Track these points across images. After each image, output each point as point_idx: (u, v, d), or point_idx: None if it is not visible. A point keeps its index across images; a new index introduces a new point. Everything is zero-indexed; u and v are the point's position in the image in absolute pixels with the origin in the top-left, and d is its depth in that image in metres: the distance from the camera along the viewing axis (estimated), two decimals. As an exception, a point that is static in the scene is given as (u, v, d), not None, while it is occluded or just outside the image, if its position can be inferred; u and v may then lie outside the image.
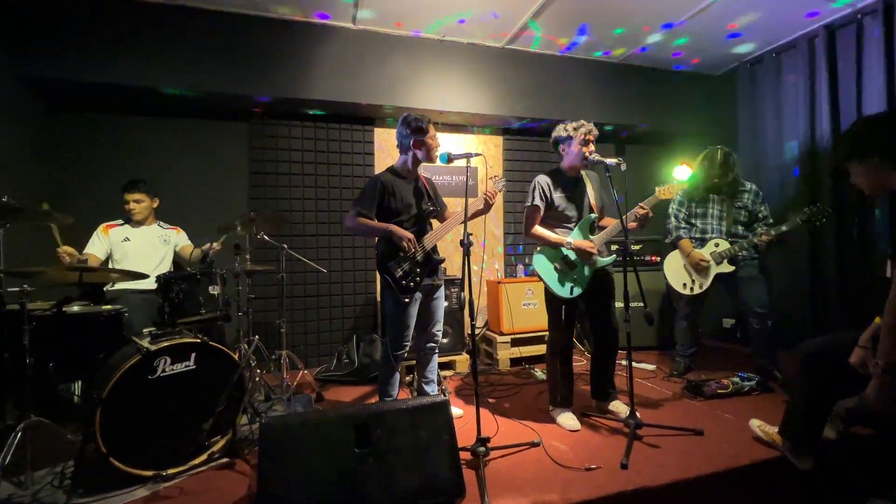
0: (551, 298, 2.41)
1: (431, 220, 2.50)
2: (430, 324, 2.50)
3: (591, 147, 2.36)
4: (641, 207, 2.34)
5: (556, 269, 2.37)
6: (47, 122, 3.21)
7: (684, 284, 3.00)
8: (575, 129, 2.36)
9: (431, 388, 2.58)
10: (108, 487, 1.81)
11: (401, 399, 2.55)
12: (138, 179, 2.88)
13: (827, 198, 3.38)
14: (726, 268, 2.86)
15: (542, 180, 2.44)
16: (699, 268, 2.91)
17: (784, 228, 2.73)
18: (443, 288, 2.54)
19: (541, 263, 2.40)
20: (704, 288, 2.92)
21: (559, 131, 2.41)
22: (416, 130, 2.33)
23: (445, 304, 3.42)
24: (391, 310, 2.37)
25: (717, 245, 2.91)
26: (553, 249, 2.40)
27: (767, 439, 2.04)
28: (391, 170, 2.45)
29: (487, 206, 2.41)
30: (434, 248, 2.41)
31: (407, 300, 2.30)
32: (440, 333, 2.56)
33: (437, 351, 2.56)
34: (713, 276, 2.88)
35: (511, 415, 2.54)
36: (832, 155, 3.35)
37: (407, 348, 2.41)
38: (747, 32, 3.60)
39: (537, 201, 2.40)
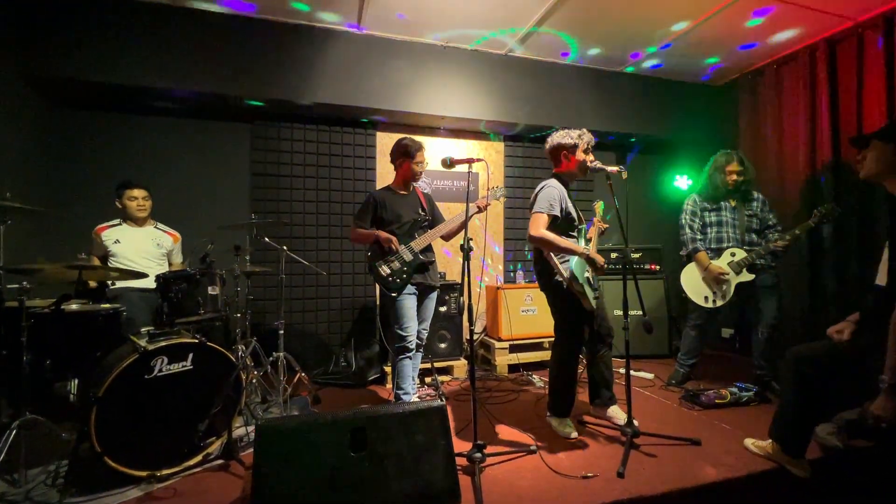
0: (572, 307, 2.26)
1: (425, 229, 2.67)
2: (418, 322, 2.63)
3: (591, 156, 2.39)
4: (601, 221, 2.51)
5: (588, 278, 2.25)
6: (50, 119, 3.22)
7: (706, 298, 2.93)
8: (580, 136, 2.37)
9: (409, 386, 2.68)
10: (101, 487, 1.80)
11: (397, 403, 2.55)
12: (134, 179, 2.85)
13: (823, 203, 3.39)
14: (746, 277, 2.83)
15: (560, 188, 2.33)
16: (719, 280, 2.87)
17: (797, 232, 2.72)
18: (437, 292, 2.74)
19: (579, 268, 2.22)
20: (727, 299, 2.86)
21: (564, 138, 2.37)
22: (402, 153, 2.64)
23: (444, 308, 3.45)
24: (388, 306, 2.57)
25: (733, 255, 2.88)
26: (579, 258, 2.25)
27: (762, 453, 2.04)
28: (387, 186, 2.75)
29: (479, 211, 2.64)
30: (423, 250, 2.59)
31: (394, 294, 2.48)
32: (426, 333, 2.73)
33: (420, 350, 2.71)
34: (735, 285, 2.85)
35: (508, 421, 2.53)
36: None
37: (411, 341, 2.53)
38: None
39: (555, 209, 2.25)
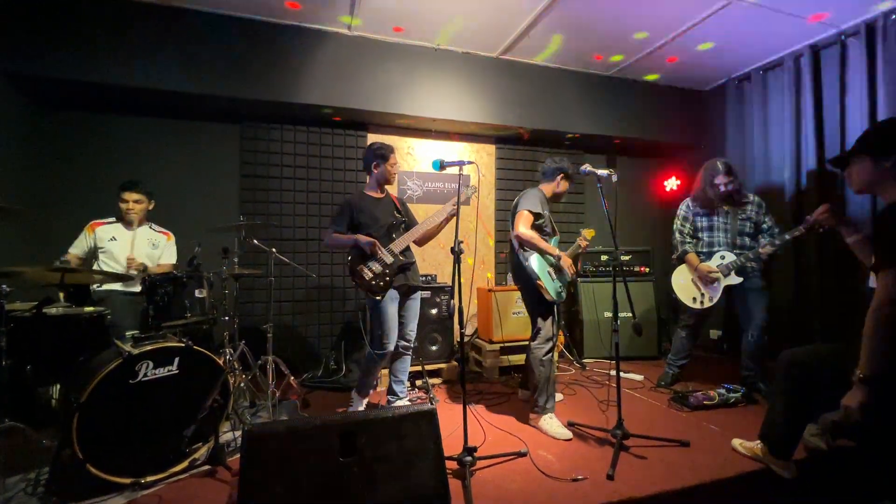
0: (540, 300, 2.49)
1: (401, 231, 2.69)
2: (404, 324, 2.68)
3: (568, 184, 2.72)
4: (584, 240, 2.69)
5: (548, 272, 2.50)
6: (36, 120, 3.15)
7: (694, 299, 3.00)
8: (569, 165, 2.69)
9: (400, 388, 2.73)
10: (83, 495, 1.76)
11: (387, 407, 2.54)
12: (136, 180, 2.82)
13: (812, 212, 3.44)
14: (734, 279, 2.88)
15: (542, 195, 2.63)
16: (708, 280, 2.92)
17: (787, 237, 2.74)
18: (419, 292, 2.77)
19: (538, 264, 2.47)
20: (714, 301, 2.91)
21: (562, 163, 2.69)
22: (377, 157, 2.67)
23: (435, 311, 3.45)
24: (373, 312, 2.61)
25: (723, 257, 2.93)
26: (539, 256, 2.50)
27: (750, 454, 2.07)
28: (360, 191, 2.78)
29: (451, 215, 2.63)
30: (403, 251, 2.62)
31: (379, 297, 2.51)
32: (413, 334, 2.73)
33: (409, 351, 2.73)
34: (723, 288, 2.89)
35: (499, 424, 2.53)
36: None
37: (389, 348, 2.56)
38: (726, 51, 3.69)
39: (539, 209, 2.52)
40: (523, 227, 2.47)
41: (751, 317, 2.87)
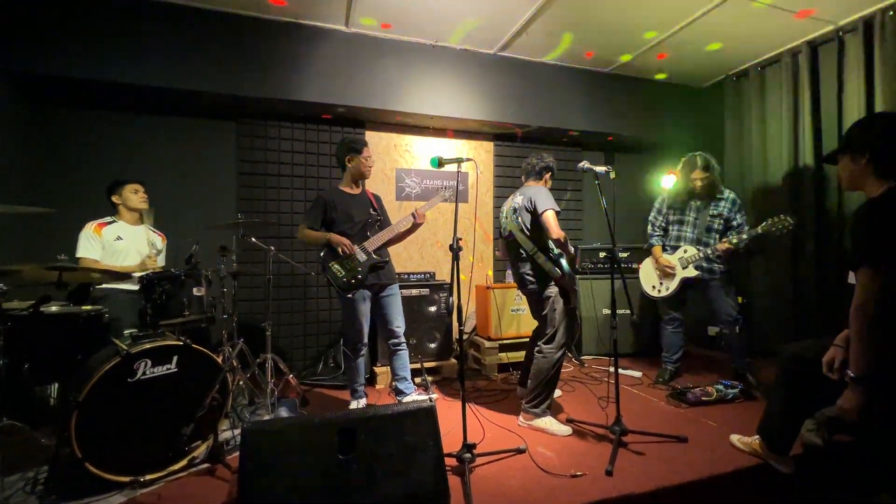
0: (567, 304, 2.50)
1: (376, 229, 2.68)
2: (388, 321, 2.66)
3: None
4: None
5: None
6: (30, 117, 3.12)
7: (653, 287, 3.22)
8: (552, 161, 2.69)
9: (405, 386, 2.69)
10: (82, 493, 1.76)
11: (386, 405, 2.54)
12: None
13: (809, 208, 3.46)
14: (691, 272, 3.00)
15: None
16: (665, 273, 3.09)
17: (745, 237, 2.86)
18: (396, 287, 2.71)
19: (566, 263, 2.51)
20: (671, 291, 3.08)
21: (545, 161, 2.65)
22: (350, 150, 2.64)
23: (433, 308, 3.44)
24: (343, 309, 2.61)
25: (685, 251, 3.05)
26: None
27: (748, 450, 2.08)
28: (335, 187, 2.73)
29: (415, 227, 2.65)
30: (377, 250, 2.60)
31: (350, 296, 2.50)
32: (401, 329, 2.69)
33: (402, 347, 2.70)
34: (679, 279, 3.04)
35: (498, 421, 2.53)
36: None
37: (361, 345, 2.61)
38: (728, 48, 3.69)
39: (558, 208, 2.45)
40: (560, 230, 2.34)
41: (714, 314, 3.02)
